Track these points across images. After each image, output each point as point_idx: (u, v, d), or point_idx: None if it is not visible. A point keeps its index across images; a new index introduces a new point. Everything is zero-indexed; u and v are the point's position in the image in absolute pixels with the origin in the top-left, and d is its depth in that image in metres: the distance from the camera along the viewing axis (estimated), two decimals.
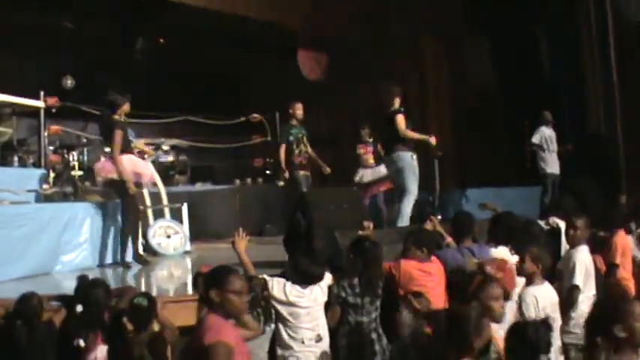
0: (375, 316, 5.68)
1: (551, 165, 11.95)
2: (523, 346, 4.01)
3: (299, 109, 10.85)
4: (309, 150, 10.85)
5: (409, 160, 9.25)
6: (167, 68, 14.59)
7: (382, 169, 11.21)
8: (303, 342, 5.21)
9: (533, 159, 12.71)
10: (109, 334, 5.12)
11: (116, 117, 8.63)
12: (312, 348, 5.22)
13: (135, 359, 5.02)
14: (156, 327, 5.27)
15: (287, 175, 10.69)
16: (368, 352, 5.58)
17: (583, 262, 6.21)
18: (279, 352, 5.26)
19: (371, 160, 11.74)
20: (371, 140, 11.80)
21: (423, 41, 14.76)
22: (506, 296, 5.12)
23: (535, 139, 11.91)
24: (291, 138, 10.73)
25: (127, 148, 8.72)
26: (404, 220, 9.11)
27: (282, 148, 10.74)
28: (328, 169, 10.93)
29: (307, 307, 5.27)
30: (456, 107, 14.10)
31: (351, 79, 14.24)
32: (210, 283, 4.08)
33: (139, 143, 9.53)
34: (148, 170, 9.09)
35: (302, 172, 10.70)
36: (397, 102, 9.44)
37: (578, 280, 6.09)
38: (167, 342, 5.28)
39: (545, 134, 11.90)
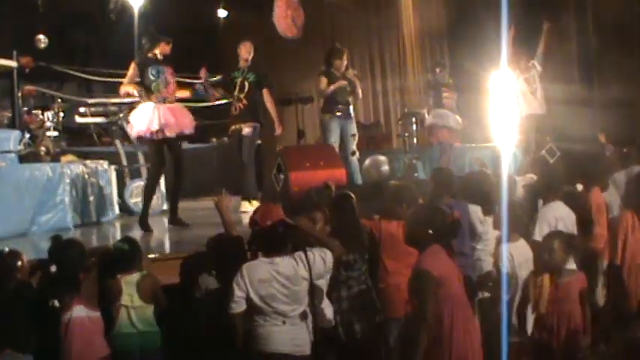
0: (365, 268, 5.72)
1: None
2: None
3: (241, 48, 9.51)
4: (266, 99, 9.46)
5: None
6: (142, 26, 14.41)
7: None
8: None
9: None
10: (99, 272, 5.23)
11: (148, 54, 8.29)
12: None
13: (125, 298, 5.21)
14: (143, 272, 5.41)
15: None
16: (357, 304, 5.64)
17: (545, 218, 6.27)
18: None
19: (455, 107, 11.07)
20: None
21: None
22: None
23: None
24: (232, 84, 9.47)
25: (149, 93, 8.20)
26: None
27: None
28: (278, 130, 9.56)
29: None
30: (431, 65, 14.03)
31: (329, 37, 14.16)
32: None
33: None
34: (173, 120, 8.20)
35: (233, 127, 9.46)
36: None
37: (537, 235, 6.14)
38: (155, 286, 5.35)
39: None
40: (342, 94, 9.95)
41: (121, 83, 8.58)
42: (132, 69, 8.29)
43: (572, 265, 5.63)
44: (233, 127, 9.47)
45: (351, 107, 10.16)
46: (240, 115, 9.38)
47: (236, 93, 9.37)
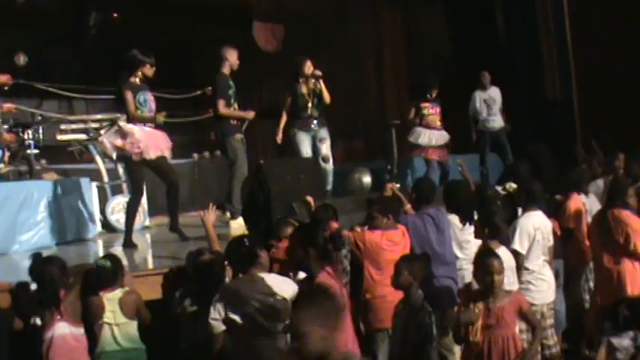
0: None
1: (490, 123, 11.60)
2: None
3: (233, 55, 8.84)
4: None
5: None
6: (122, 42, 14.42)
7: (446, 135, 10.78)
8: None
9: None
10: (82, 290, 5.22)
11: (131, 79, 7.85)
12: None
13: (107, 316, 5.22)
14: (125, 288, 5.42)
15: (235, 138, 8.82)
16: None
17: (525, 227, 6.29)
18: None
19: (438, 122, 10.73)
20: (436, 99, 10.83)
21: (382, 13, 14.78)
22: None
23: (470, 111, 11.72)
24: (230, 92, 8.83)
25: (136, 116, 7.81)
26: None
27: (222, 104, 8.75)
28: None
29: None
30: (413, 77, 14.11)
31: (309, 52, 14.19)
32: None
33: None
34: (153, 143, 7.94)
35: (238, 136, 8.89)
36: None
37: (516, 244, 6.17)
38: (138, 302, 5.34)
39: (481, 98, 11.66)
40: (301, 107, 9.61)
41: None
42: (129, 96, 7.83)
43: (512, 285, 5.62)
44: (240, 136, 8.94)
45: (317, 119, 9.68)
46: (239, 126, 9.03)
47: (235, 103, 8.91)
